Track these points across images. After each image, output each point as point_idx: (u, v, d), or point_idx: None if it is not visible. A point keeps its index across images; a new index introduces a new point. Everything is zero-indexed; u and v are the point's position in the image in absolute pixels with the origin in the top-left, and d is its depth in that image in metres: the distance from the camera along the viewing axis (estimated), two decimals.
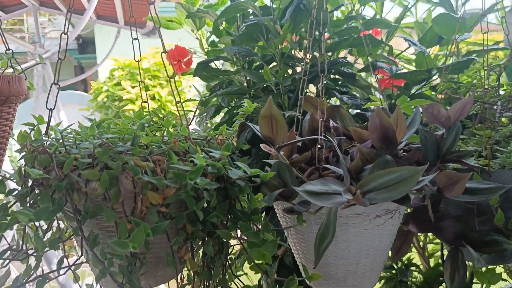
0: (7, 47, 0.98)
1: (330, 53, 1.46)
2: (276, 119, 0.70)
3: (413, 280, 1.60)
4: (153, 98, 4.31)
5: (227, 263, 0.81)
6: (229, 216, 0.76)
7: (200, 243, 0.74)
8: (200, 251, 0.79)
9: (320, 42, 1.40)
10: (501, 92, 1.12)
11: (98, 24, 3.15)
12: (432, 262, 1.65)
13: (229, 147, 0.75)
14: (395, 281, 1.57)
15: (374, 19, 1.66)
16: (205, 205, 0.72)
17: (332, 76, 1.47)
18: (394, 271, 1.59)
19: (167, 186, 0.63)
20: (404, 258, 1.63)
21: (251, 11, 1.39)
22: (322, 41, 0.89)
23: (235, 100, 1.47)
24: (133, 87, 4.25)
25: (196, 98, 1.77)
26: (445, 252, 1.43)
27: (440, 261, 1.55)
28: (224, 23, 1.50)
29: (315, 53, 1.40)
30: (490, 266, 0.85)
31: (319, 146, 0.80)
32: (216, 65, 1.57)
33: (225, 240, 0.78)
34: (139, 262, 0.69)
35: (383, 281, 1.59)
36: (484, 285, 0.85)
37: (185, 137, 0.74)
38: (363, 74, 1.82)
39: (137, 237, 0.58)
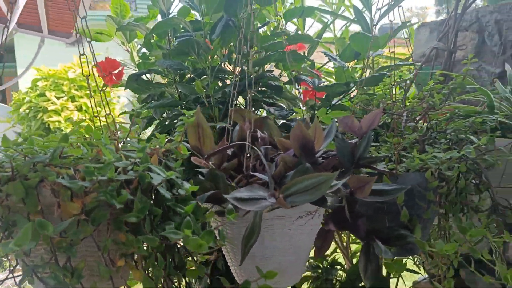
0: None
1: (257, 67, 1.54)
2: (203, 128, 0.75)
3: (338, 278, 1.72)
4: (80, 109, 4.18)
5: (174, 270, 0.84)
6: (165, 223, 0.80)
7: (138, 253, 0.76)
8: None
9: (248, 56, 1.49)
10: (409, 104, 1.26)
11: (18, 32, 3.04)
12: (355, 261, 1.78)
13: (143, 150, 0.78)
14: (321, 279, 1.68)
15: (298, 35, 1.78)
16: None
17: (260, 88, 1.56)
18: (320, 271, 1.70)
19: (85, 191, 0.65)
20: (329, 259, 1.74)
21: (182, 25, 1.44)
22: (250, 59, 0.95)
23: (167, 112, 1.51)
24: (58, 98, 4.09)
25: (127, 110, 1.78)
26: None
27: None
28: (155, 36, 1.54)
29: (244, 67, 1.47)
30: (398, 258, 0.96)
31: (248, 155, 0.87)
32: (147, 78, 1.59)
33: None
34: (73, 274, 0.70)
35: (310, 280, 1.69)
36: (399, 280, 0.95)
37: (115, 148, 0.77)
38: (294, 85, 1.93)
39: (22, 237, 0.61)
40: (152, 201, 0.73)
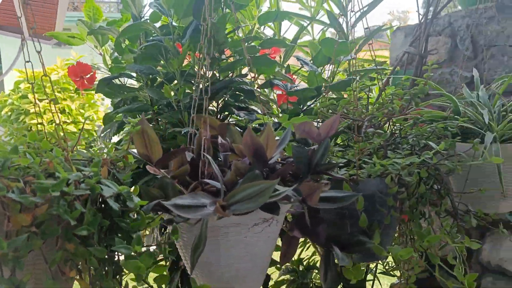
0: None
1: (229, 72, 1.54)
2: (148, 134, 0.74)
3: (314, 282, 1.72)
4: (62, 112, 4.15)
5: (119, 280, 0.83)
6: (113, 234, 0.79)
7: (85, 262, 0.75)
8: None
9: (220, 60, 1.49)
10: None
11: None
12: None
13: (98, 164, 0.78)
14: (297, 283, 1.68)
15: (272, 39, 1.78)
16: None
17: (233, 93, 1.55)
18: (296, 274, 1.70)
19: (35, 204, 0.65)
20: (305, 262, 1.74)
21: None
22: (206, 63, 0.95)
23: (139, 116, 1.50)
24: (40, 100, 4.05)
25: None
26: None
27: None
28: (127, 40, 1.53)
29: (214, 72, 1.47)
30: (358, 264, 0.96)
31: (207, 161, 0.87)
32: (120, 81, 1.58)
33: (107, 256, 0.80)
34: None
35: (286, 284, 1.69)
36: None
37: (65, 158, 0.76)
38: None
39: None
40: (100, 213, 0.72)
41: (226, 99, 1.52)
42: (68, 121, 4.09)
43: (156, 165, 0.76)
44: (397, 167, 0.93)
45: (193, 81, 1.49)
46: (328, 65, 1.71)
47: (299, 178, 0.85)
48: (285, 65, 1.84)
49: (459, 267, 1.03)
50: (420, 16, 1.59)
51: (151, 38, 1.40)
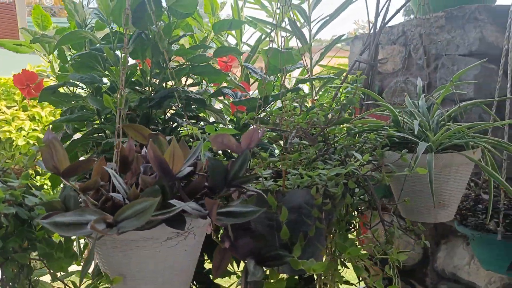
0: None
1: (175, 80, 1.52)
2: (54, 145, 0.72)
3: None
4: (32, 119, 4.08)
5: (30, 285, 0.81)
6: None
7: None
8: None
9: (166, 69, 1.47)
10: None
11: None
12: None
13: (27, 177, 0.76)
14: None
15: (225, 47, 1.78)
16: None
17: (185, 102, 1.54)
18: None
19: None
20: None
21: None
22: (121, 76, 0.93)
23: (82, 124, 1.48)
24: (8, 108, 3.99)
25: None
26: None
27: None
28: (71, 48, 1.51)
29: (155, 81, 1.45)
30: (284, 277, 0.95)
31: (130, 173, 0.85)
32: (69, 90, 1.56)
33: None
34: None
35: None
36: None
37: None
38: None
39: None
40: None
41: (175, 108, 1.51)
42: (37, 128, 4.03)
43: (64, 176, 0.74)
44: (323, 178, 0.93)
45: (140, 90, 1.47)
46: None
47: (216, 192, 0.84)
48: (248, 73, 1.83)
49: (394, 279, 1.03)
50: (371, 25, 1.60)
51: (94, 47, 1.38)
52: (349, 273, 1.16)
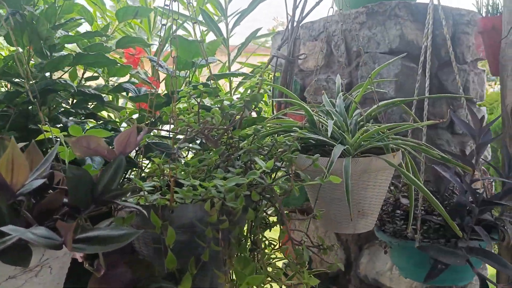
0: None
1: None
2: None
3: None
4: None
5: None
6: None
7: None
8: None
9: (48, 57, 1.25)
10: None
11: None
12: None
13: None
14: None
15: (129, 37, 1.58)
16: None
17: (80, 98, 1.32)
18: None
19: None
20: None
21: None
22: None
23: None
24: None
25: None
26: None
27: None
28: None
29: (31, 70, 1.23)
30: None
31: None
32: None
33: None
34: None
35: None
36: None
37: None
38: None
39: None
40: None
41: (64, 104, 1.29)
42: None
43: None
44: (220, 190, 0.77)
45: (16, 82, 1.24)
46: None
47: (80, 211, 0.65)
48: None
49: None
50: (289, 18, 1.48)
51: None
52: None
